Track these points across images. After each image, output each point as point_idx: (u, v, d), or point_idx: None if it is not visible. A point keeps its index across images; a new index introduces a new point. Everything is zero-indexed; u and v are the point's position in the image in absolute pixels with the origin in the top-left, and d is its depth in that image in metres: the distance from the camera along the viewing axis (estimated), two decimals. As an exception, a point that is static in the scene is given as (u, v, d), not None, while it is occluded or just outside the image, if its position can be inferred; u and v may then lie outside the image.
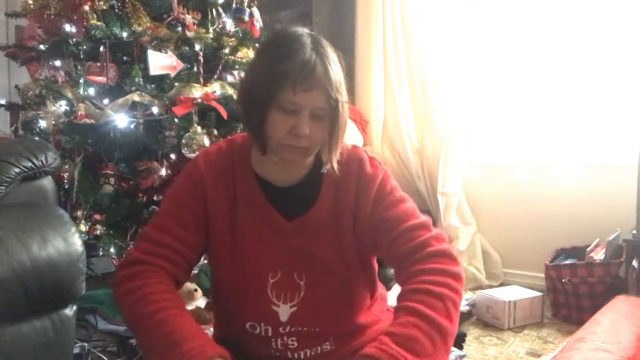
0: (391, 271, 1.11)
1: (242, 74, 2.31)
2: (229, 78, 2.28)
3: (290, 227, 1.04)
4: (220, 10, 2.28)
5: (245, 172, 1.07)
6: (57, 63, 2.16)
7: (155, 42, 2.04)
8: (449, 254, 0.98)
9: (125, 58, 2.16)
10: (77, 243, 1.29)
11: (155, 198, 2.10)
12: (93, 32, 1.99)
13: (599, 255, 2.31)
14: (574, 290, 2.28)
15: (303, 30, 1.00)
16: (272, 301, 1.03)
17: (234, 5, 2.31)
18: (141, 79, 2.03)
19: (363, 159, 1.09)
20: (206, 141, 2.00)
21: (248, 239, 1.04)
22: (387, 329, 0.88)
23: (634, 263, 2.12)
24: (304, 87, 0.94)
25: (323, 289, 1.04)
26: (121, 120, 2.01)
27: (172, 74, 2.03)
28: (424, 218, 1.03)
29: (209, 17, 2.22)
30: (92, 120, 1.97)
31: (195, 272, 2.14)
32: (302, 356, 1.07)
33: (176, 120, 2.04)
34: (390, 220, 1.02)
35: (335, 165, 1.04)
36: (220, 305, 1.15)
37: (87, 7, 2.00)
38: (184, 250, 1.03)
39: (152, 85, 2.05)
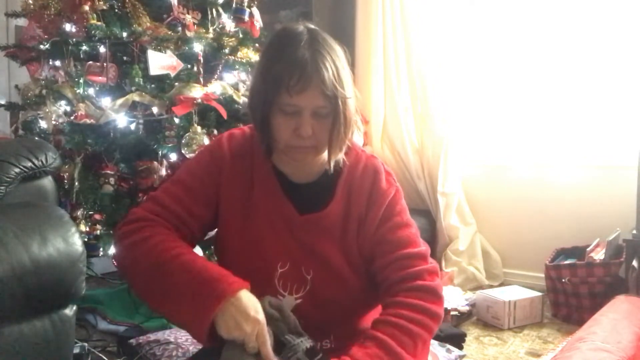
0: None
1: (242, 74, 2.31)
2: (229, 78, 2.28)
3: (300, 222, 1.05)
4: (220, 10, 2.28)
5: (264, 161, 1.08)
6: (57, 63, 2.16)
7: (155, 42, 2.04)
8: (436, 292, 1.00)
9: (125, 58, 2.16)
10: (77, 243, 1.29)
11: (155, 198, 2.10)
12: (93, 32, 1.99)
13: (599, 255, 2.31)
14: (574, 290, 2.28)
15: (304, 27, 1.00)
16: (278, 291, 1.03)
17: (234, 5, 2.31)
18: (141, 79, 2.03)
19: (379, 172, 1.10)
20: (206, 141, 2.00)
21: (261, 226, 1.05)
22: (353, 356, 0.90)
23: (634, 263, 2.12)
24: (297, 89, 0.93)
25: (328, 287, 1.05)
26: (121, 120, 2.01)
27: (172, 74, 2.03)
28: (423, 248, 1.06)
29: (209, 17, 2.22)
30: (92, 120, 1.98)
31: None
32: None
33: (176, 120, 2.04)
34: (391, 243, 1.04)
35: (332, 165, 1.04)
36: None
37: (87, 7, 2.00)
38: (189, 220, 1.04)
39: (152, 85, 2.05)
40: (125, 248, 0.99)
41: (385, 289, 1.02)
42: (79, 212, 1.95)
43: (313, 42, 0.96)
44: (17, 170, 1.36)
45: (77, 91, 2.02)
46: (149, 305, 1.02)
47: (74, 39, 2.05)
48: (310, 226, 1.05)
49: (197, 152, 1.14)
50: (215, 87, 2.12)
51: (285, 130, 0.97)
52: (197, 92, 2.02)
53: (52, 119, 2.02)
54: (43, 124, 2.09)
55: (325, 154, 1.05)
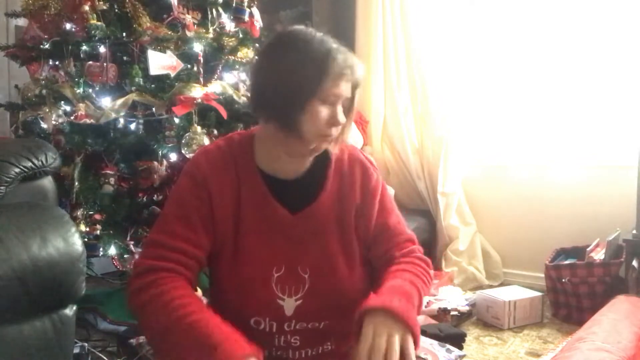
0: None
1: (242, 74, 2.31)
2: (229, 78, 2.28)
3: (294, 221, 1.06)
4: (220, 10, 2.28)
5: (249, 168, 1.08)
6: (57, 63, 2.16)
7: (155, 42, 2.03)
8: (428, 262, 1.14)
9: (125, 58, 2.15)
10: (77, 243, 1.29)
11: (155, 198, 2.10)
12: (93, 32, 1.99)
13: (599, 255, 2.31)
14: (574, 290, 2.28)
15: (312, 29, 1.05)
16: (277, 295, 1.04)
17: (234, 5, 2.31)
18: (141, 79, 2.03)
19: (364, 160, 1.16)
20: (206, 141, 2.00)
21: (251, 235, 1.05)
22: (388, 285, 1.01)
23: (634, 263, 2.12)
24: (346, 79, 1.00)
25: (327, 281, 1.06)
26: (121, 120, 2.01)
27: (172, 74, 2.03)
28: (410, 233, 1.18)
29: (209, 17, 2.22)
30: (92, 120, 1.97)
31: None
32: (302, 355, 1.07)
33: (176, 120, 2.04)
34: (390, 230, 1.14)
35: (337, 149, 1.10)
36: (222, 303, 1.14)
37: (87, 7, 1.99)
38: (194, 252, 1.03)
39: (152, 85, 2.05)
40: (138, 307, 0.98)
41: (385, 262, 1.11)
42: (79, 212, 1.94)
43: (338, 43, 1.03)
44: (17, 170, 1.36)
45: (77, 91, 2.02)
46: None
47: (74, 39, 2.05)
48: (303, 223, 1.07)
49: (177, 181, 1.12)
50: (215, 87, 2.12)
51: (321, 119, 0.99)
52: (197, 92, 2.02)
53: (52, 119, 2.02)
54: (43, 124, 2.09)
55: None
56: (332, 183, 1.10)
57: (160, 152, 2.06)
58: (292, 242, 1.06)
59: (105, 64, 2.03)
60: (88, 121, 1.97)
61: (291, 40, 1.02)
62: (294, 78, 0.98)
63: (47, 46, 2.13)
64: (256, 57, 1.09)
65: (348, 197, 1.10)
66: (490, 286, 2.75)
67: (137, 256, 2.04)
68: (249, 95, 1.11)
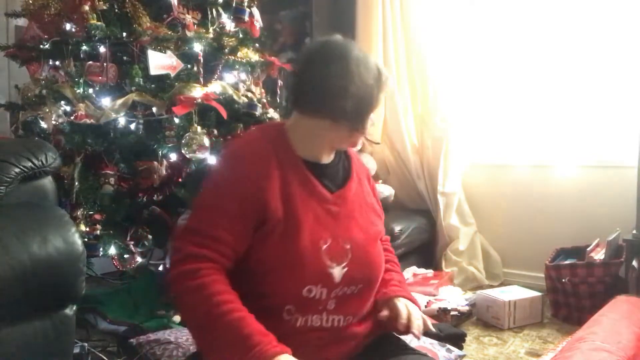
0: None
1: (242, 74, 2.31)
2: (229, 78, 2.28)
3: (333, 199, 1.21)
4: (220, 10, 2.28)
5: (290, 155, 1.20)
6: (57, 63, 2.16)
7: (155, 42, 2.04)
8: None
9: (125, 58, 2.15)
10: (77, 243, 1.29)
11: (155, 198, 2.10)
12: (93, 32, 1.99)
13: (599, 255, 2.31)
14: (574, 290, 2.28)
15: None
16: (327, 264, 1.15)
17: (234, 5, 2.31)
18: (141, 79, 2.03)
19: (362, 161, 1.40)
20: (206, 141, 2.00)
21: (300, 212, 1.15)
22: (397, 279, 1.32)
23: (634, 263, 2.12)
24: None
25: (363, 251, 1.21)
26: (121, 120, 2.01)
27: (172, 74, 2.03)
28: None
29: (209, 17, 2.22)
30: (92, 120, 1.97)
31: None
32: (335, 323, 1.17)
33: (176, 120, 2.04)
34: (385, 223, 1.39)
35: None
36: (265, 283, 1.16)
37: (87, 7, 2.00)
38: (234, 243, 1.10)
39: (152, 85, 2.05)
40: (181, 294, 1.08)
41: None
42: (79, 212, 1.94)
43: None
44: (17, 170, 1.36)
45: (77, 91, 2.01)
46: (198, 346, 1.17)
47: (74, 39, 2.05)
48: (339, 201, 1.22)
49: (218, 172, 1.21)
50: (215, 87, 2.12)
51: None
52: (197, 92, 2.02)
53: (52, 119, 2.02)
54: (43, 124, 2.09)
55: None
56: (355, 171, 1.30)
57: (160, 152, 2.06)
58: (332, 217, 1.19)
59: (105, 64, 2.03)
60: (88, 121, 1.97)
61: (355, 52, 1.16)
62: (369, 89, 1.15)
63: (47, 46, 2.13)
64: (314, 63, 1.19)
65: (364, 187, 1.30)
66: (490, 286, 2.75)
67: (137, 256, 2.04)
68: (300, 93, 1.21)
